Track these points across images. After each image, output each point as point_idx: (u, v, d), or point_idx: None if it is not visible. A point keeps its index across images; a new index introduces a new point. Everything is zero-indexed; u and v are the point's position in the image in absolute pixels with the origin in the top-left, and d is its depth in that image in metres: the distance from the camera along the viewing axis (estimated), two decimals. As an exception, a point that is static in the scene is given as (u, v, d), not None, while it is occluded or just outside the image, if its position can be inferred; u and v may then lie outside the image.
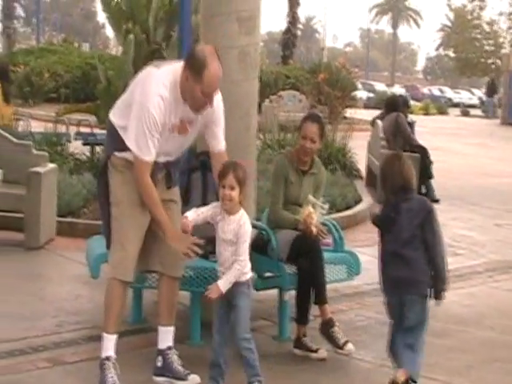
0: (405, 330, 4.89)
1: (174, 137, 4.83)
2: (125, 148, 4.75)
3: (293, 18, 35.79)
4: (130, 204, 4.80)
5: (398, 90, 59.44)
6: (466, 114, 46.32)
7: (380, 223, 5.05)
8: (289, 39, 35.73)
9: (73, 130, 12.52)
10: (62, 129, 12.54)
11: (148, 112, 4.64)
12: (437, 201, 12.57)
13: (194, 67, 4.67)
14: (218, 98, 4.91)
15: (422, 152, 12.67)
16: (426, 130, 24.12)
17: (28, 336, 5.65)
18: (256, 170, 6.31)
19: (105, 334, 4.81)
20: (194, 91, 4.70)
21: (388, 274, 4.98)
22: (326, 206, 5.91)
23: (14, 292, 6.68)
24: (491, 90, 45.84)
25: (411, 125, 13.41)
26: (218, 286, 4.62)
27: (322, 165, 6.23)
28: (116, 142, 4.83)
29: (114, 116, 4.89)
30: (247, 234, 4.68)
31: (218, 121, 5.04)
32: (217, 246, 4.74)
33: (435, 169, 13.11)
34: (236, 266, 4.63)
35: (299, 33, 41.02)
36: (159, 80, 4.73)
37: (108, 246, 4.95)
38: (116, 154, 4.84)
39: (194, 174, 5.97)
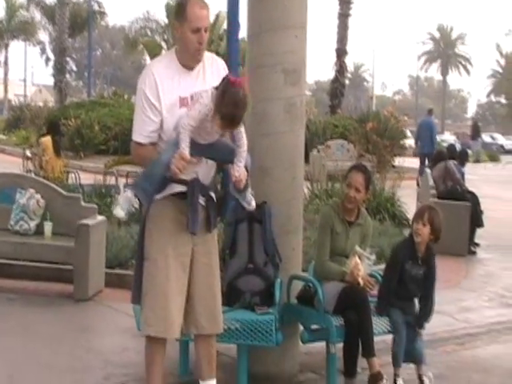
0: None
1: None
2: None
3: (340, 67, 35.76)
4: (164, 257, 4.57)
5: (449, 137, 59.17)
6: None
7: None
8: (337, 88, 35.69)
9: (122, 181, 12.61)
10: (111, 180, 12.64)
11: (140, 92, 4.61)
12: (477, 244, 12.50)
13: (178, 12, 4.64)
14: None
15: (473, 199, 12.52)
16: (477, 177, 23.87)
17: (75, 388, 5.65)
18: (303, 220, 6.27)
19: None
20: (184, 35, 4.57)
21: None
22: (373, 257, 5.88)
23: (62, 343, 6.70)
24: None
25: (462, 174, 13.26)
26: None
27: (368, 215, 6.22)
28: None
29: None
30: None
31: None
32: None
33: (486, 217, 12.91)
34: None
35: (347, 82, 41.01)
36: (153, 61, 4.83)
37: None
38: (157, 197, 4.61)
39: (240, 225, 5.94)
